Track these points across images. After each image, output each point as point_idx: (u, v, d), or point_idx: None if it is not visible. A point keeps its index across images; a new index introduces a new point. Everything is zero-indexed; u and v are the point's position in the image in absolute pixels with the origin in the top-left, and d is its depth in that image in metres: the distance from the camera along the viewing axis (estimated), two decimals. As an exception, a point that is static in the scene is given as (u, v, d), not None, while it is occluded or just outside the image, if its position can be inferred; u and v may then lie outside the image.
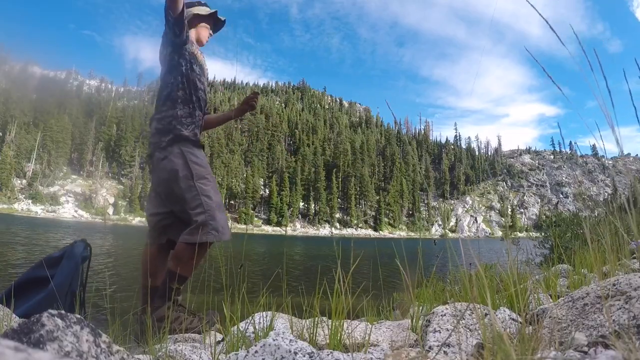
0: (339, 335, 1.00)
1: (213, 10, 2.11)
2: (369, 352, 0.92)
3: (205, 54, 2.09)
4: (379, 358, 0.87)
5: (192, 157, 1.83)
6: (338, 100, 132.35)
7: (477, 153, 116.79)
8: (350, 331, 1.05)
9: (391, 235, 75.32)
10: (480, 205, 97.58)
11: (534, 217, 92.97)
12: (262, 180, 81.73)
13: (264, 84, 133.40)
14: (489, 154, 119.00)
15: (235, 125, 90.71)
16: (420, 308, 1.27)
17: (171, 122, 1.86)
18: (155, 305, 1.70)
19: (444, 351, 0.83)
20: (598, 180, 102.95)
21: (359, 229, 78.73)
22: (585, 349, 0.68)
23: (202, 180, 1.81)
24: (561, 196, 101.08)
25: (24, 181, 61.97)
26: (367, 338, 0.99)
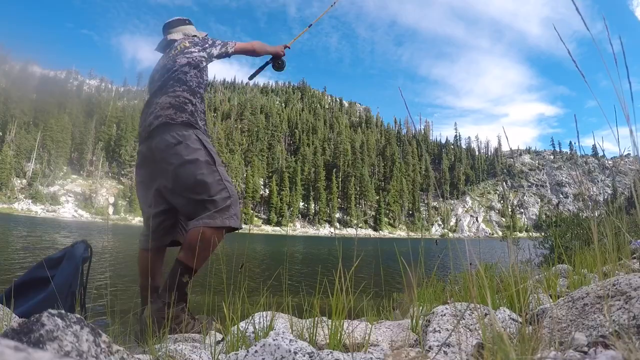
0: (339, 335, 1.00)
1: (205, 34, 2.23)
2: (369, 352, 0.92)
3: None
4: (379, 358, 0.87)
5: (208, 144, 1.82)
6: (338, 100, 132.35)
7: (477, 153, 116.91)
8: (350, 331, 1.05)
9: (391, 235, 75.35)
10: (480, 205, 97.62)
11: (534, 217, 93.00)
12: (262, 180, 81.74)
13: (264, 83, 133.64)
14: (489, 154, 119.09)
15: (236, 125, 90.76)
16: (420, 308, 1.27)
17: (187, 104, 1.83)
18: (162, 301, 1.61)
19: (444, 351, 0.83)
20: (598, 180, 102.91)
21: (359, 228, 78.75)
22: (585, 349, 0.68)
23: (221, 166, 1.82)
24: (561, 196, 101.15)
25: (24, 181, 61.99)
26: (367, 338, 0.99)
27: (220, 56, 2.06)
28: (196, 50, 1.97)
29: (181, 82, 1.88)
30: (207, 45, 2.01)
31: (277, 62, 2.26)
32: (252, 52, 2.15)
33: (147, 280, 1.77)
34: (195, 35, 2.12)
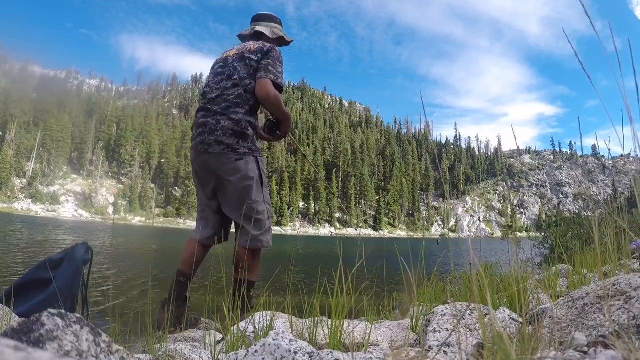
0: (339, 335, 1.00)
1: (290, 40, 2.18)
2: (369, 351, 0.92)
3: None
4: (379, 358, 0.87)
5: (262, 166, 1.89)
6: (338, 100, 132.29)
7: (477, 153, 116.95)
8: (350, 331, 1.05)
9: (391, 235, 75.35)
10: (480, 205, 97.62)
11: (534, 217, 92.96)
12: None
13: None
14: (489, 154, 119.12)
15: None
16: (420, 308, 1.27)
17: (248, 128, 1.83)
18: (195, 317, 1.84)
19: (444, 351, 0.83)
20: (598, 180, 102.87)
21: (359, 228, 78.77)
22: (585, 349, 0.68)
23: (266, 188, 1.92)
24: (561, 196, 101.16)
25: (24, 180, 61.98)
26: (367, 338, 0.99)
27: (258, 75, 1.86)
28: (255, 59, 1.86)
29: (244, 101, 1.83)
30: (262, 59, 1.85)
31: (277, 128, 1.97)
32: (273, 107, 1.86)
33: (189, 269, 1.83)
34: (272, 36, 2.07)
